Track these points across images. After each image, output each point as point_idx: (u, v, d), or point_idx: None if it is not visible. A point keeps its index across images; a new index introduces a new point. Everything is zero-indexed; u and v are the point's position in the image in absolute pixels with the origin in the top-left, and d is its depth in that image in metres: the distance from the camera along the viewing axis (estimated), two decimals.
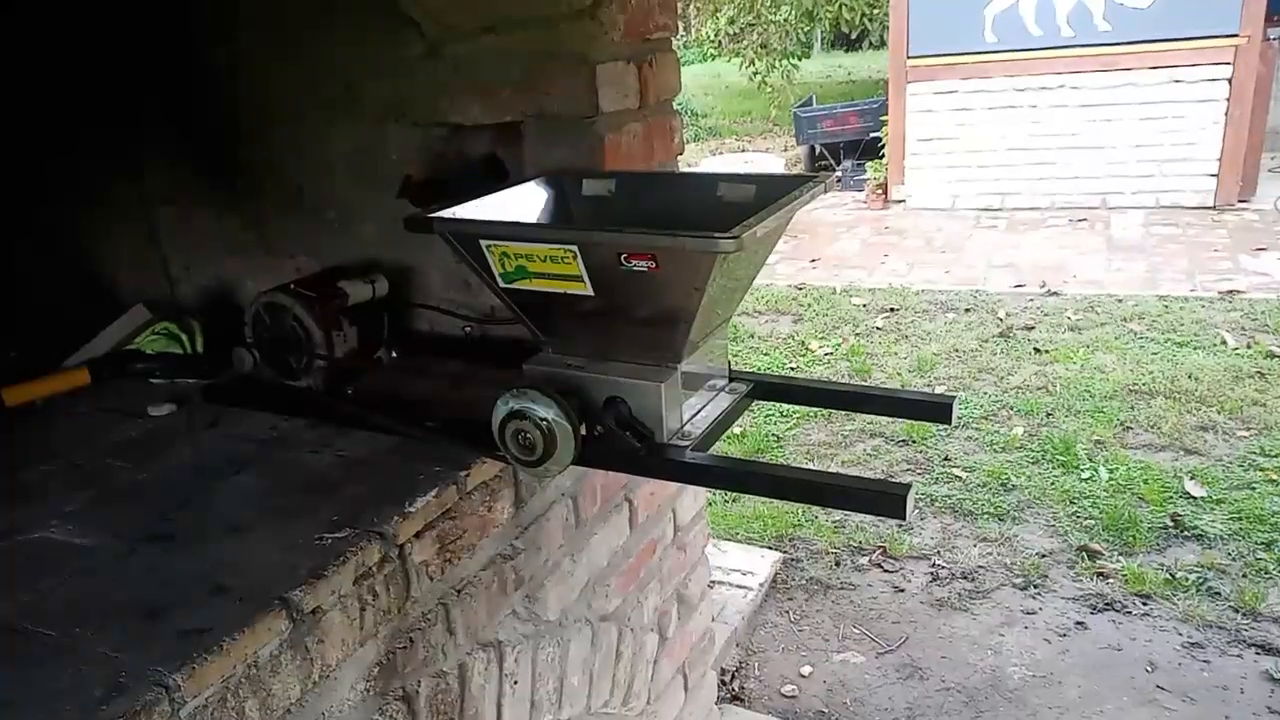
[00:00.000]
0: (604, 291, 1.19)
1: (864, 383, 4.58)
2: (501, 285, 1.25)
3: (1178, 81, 6.82)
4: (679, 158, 1.79)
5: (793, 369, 4.89)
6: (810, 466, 3.83)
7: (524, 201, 1.44)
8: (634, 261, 1.13)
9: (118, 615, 1.00)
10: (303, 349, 1.52)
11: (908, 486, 1.07)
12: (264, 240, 1.86)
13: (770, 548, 3.32)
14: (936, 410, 1.36)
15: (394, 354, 1.69)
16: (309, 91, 1.68)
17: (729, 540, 3.37)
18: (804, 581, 3.16)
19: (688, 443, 1.26)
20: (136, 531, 1.18)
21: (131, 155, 1.90)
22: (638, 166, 1.62)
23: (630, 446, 1.23)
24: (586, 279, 1.18)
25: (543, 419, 1.20)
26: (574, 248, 1.16)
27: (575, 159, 1.53)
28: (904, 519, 1.07)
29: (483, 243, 1.21)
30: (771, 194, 1.28)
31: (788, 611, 3.04)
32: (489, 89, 1.54)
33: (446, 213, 1.28)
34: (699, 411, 1.33)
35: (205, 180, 1.87)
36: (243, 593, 1.03)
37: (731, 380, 1.43)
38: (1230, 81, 6.68)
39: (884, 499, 1.07)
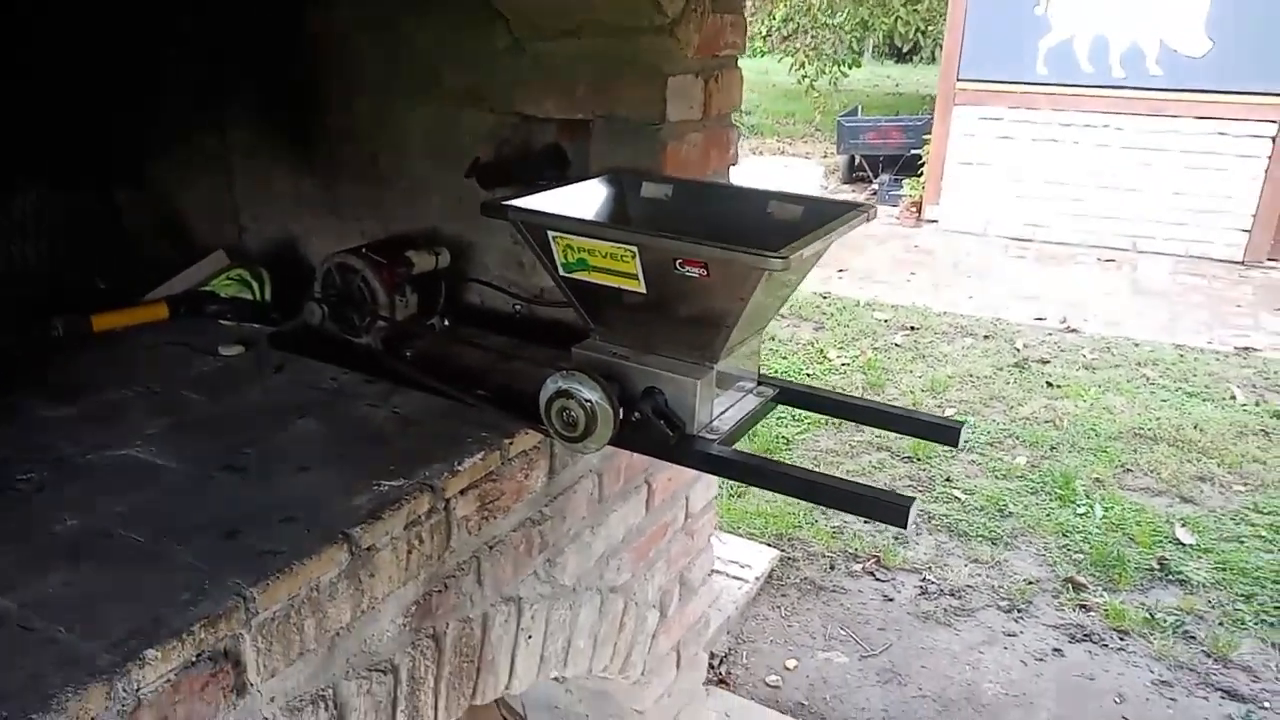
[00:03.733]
0: (655, 290, 1.30)
1: (881, 399, 4.68)
2: (561, 273, 1.37)
3: (1222, 134, 6.85)
4: (732, 167, 1.90)
5: (809, 375, 5.00)
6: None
7: (587, 197, 1.55)
8: (687, 267, 1.24)
9: (199, 532, 1.13)
10: (366, 309, 1.64)
11: (911, 499, 1.19)
12: (333, 201, 1.98)
13: (769, 545, 3.44)
14: (945, 432, 1.46)
15: (446, 322, 1.81)
16: (395, 69, 1.80)
17: (731, 533, 3.50)
18: (798, 580, 3.28)
19: (715, 436, 1.37)
20: (213, 459, 1.30)
21: (217, 107, 2.02)
22: (694, 173, 1.73)
23: (663, 434, 1.34)
24: (641, 277, 1.29)
25: (587, 400, 1.32)
26: (634, 248, 1.27)
27: (637, 160, 1.64)
28: (905, 527, 1.18)
29: (550, 233, 1.33)
30: (817, 216, 1.39)
31: (779, 607, 3.16)
32: (564, 87, 1.65)
33: (519, 201, 1.39)
34: (728, 409, 1.44)
35: (285, 138, 1.99)
36: (309, 524, 1.15)
37: (760, 383, 1.55)
38: (1275, 140, 6.71)
39: (888, 506, 1.18)
